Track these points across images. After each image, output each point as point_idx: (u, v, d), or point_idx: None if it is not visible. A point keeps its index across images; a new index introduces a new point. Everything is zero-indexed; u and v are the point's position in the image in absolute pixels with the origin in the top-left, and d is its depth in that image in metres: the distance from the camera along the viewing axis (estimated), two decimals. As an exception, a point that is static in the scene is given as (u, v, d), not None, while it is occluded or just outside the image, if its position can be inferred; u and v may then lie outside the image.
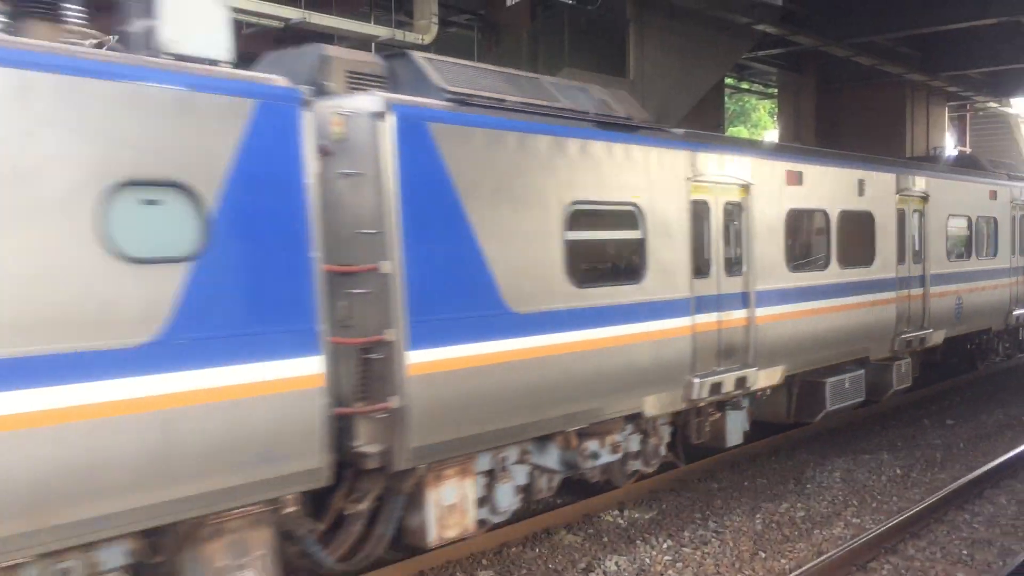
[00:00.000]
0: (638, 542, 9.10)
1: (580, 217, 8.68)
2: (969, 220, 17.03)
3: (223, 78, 6.11)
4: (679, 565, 8.51)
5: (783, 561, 8.59)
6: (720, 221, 10.47)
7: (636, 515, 9.96)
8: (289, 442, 6.35)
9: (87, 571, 5.60)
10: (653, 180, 9.46)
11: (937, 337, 15.27)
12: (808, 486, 11.02)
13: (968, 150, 29.58)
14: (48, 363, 5.22)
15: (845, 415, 13.99)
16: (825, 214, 12.30)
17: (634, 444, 9.72)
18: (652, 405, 9.45)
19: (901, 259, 14.14)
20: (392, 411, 7.11)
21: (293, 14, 11.79)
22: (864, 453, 12.49)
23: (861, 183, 13.23)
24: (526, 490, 8.72)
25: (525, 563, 8.60)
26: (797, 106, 28.51)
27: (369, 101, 7.12)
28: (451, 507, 7.80)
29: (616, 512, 10.00)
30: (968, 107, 32.71)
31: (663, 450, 10.22)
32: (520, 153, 8.12)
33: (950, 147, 28.84)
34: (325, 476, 6.65)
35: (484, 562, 8.61)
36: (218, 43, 6.21)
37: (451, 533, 7.84)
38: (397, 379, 7.11)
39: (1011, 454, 11.72)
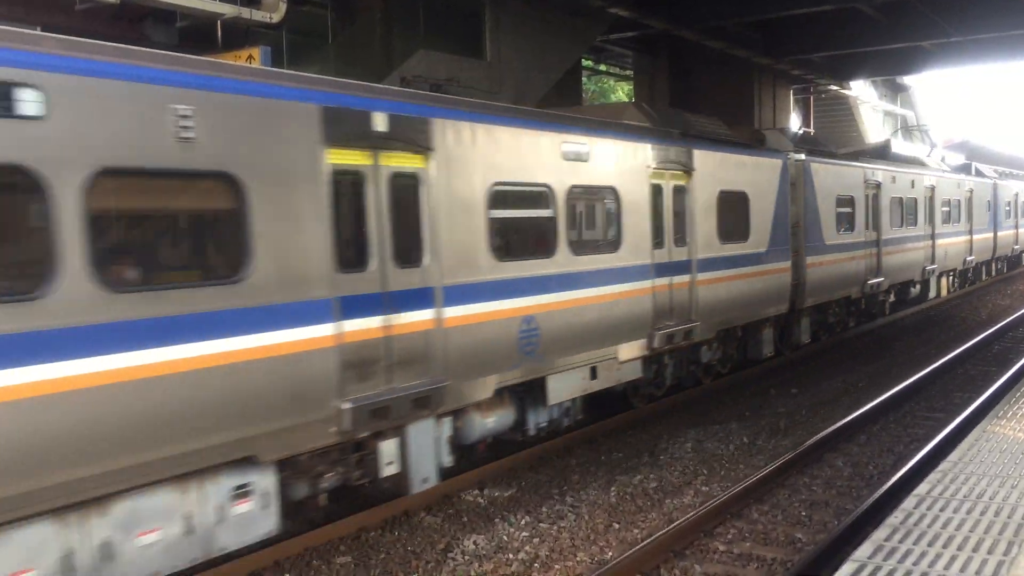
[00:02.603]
0: (496, 520, 9.22)
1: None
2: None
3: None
4: (536, 540, 8.67)
5: (635, 531, 8.87)
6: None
7: (496, 493, 10.08)
8: None
9: None
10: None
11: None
12: (661, 457, 11.38)
13: (812, 131, 30.93)
14: None
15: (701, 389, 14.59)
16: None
17: None
18: None
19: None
20: None
21: (131, -10, 11.26)
22: (714, 424, 12.97)
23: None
24: None
25: (384, 547, 8.58)
26: (652, 88, 29.18)
27: None
28: None
29: (476, 491, 10.09)
30: (811, 90, 34.23)
31: None
32: None
33: (795, 127, 30.09)
34: None
35: (342, 548, 8.55)
36: None
37: None
38: None
39: (847, 419, 12.39)
